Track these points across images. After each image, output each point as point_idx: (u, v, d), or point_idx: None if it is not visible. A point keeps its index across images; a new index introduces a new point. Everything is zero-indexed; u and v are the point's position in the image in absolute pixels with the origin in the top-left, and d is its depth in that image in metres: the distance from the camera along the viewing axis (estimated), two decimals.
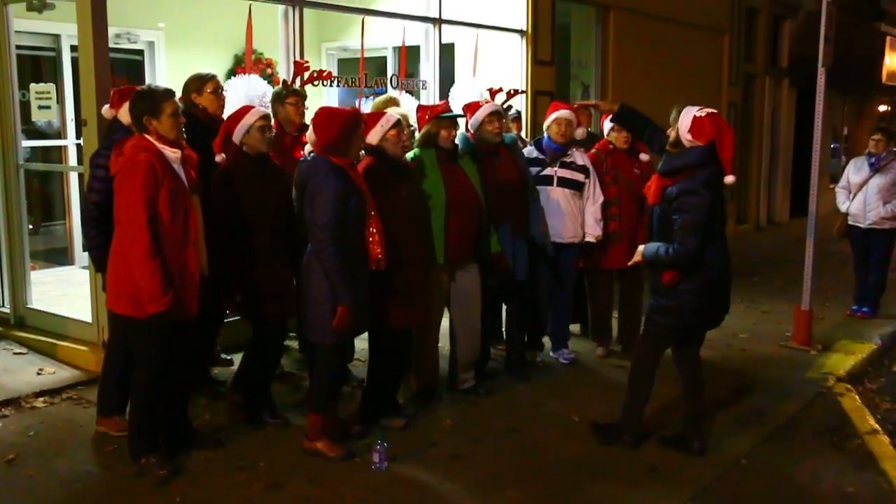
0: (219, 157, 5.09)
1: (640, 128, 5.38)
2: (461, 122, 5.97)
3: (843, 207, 8.72)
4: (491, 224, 5.83)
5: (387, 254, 4.87)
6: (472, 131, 6.06)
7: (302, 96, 5.96)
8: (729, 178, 4.79)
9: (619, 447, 5.08)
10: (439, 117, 5.58)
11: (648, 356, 5.10)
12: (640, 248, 5.00)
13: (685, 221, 4.70)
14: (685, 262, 4.76)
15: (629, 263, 5.29)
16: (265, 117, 5.09)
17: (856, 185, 8.58)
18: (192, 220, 4.52)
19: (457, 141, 5.91)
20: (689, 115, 4.77)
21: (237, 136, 5.01)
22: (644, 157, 6.59)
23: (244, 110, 5.08)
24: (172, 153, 4.47)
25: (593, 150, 6.87)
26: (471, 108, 6.14)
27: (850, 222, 8.67)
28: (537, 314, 6.79)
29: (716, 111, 4.87)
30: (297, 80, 6.31)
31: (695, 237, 4.68)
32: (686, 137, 4.75)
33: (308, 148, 5.24)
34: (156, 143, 4.42)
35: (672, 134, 4.86)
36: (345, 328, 4.70)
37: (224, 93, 5.75)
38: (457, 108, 6.29)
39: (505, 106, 6.50)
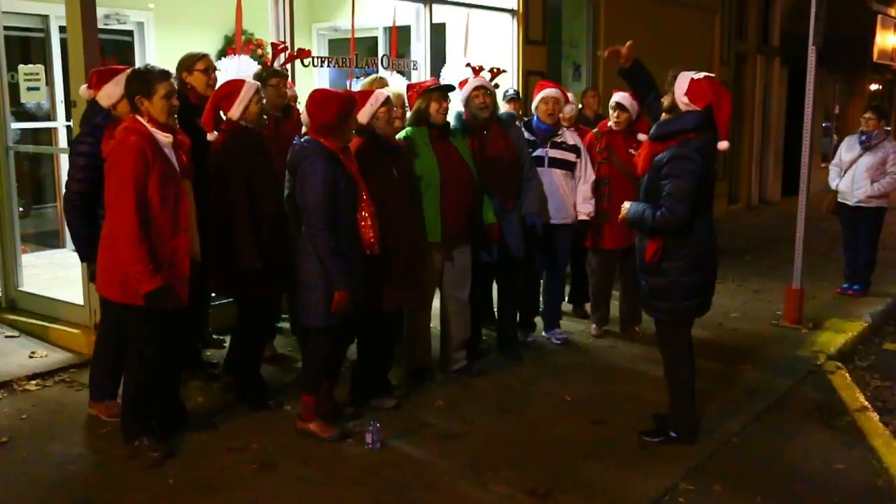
0: (211, 136, 5.07)
1: (646, 87, 5.10)
2: (454, 98, 5.95)
3: (833, 185, 8.75)
4: (485, 199, 5.84)
5: (380, 238, 4.87)
6: (464, 108, 6.05)
7: (283, 76, 5.94)
8: (723, 144, 4.66)
9: (672, 444, 4.88)
10: (428, 90, 5.57)
11: (674, 347, 4.91)
12: (626, 204, 4.85)
13: (677, 187, 4.55)
14: (671, 230, 4.61)
15: (619, 218, 5.08)
16: (259, 90, 5.09)
17: (846, 163, 8.60)
18: (184, 205, 4.49)
19: (450, 118, 5.91)
20: (685, 78, 4.64)
21: (235, 113, 5.00)
22: (642, 137, 6.56)
23: (236, 85, 5.06)
24: (164, 137, 4.43)
25: (594, 130, 6.87)
26: (462, 84, 6.14)
27: (839, 200, 8.70)
28: (531, 294, 6.81)
29: (713, 75, 4.77)
30: (278, 60, 6.29)
31: (685, 205, 4.54)
32: (682, 101, 4.62)
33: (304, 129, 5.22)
34: (147, 125, 4.39)
35: (667, 100, 4.73)
36: (342, 313, 4.71)
37: (216, 73, 5.72)
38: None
39: (494, 84, 6.49)
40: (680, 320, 4.87)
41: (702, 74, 4.69)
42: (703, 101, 4.59)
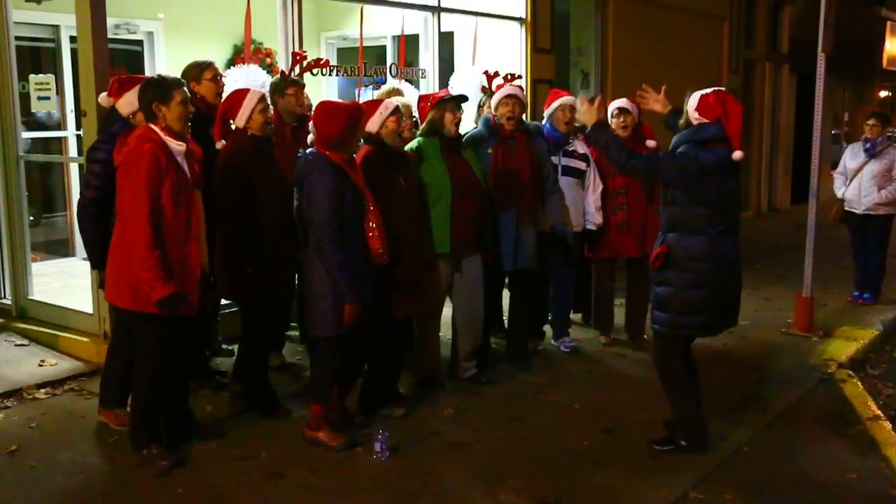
0: (219, 144, 5.09)
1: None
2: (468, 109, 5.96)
3: (839, 193, 8.71)
4: (493, 214, 5.83)
5: (387, 247, 4.86)
6: (493, 114, 6.07)
7: (300, 86, 5.95)
8: (736, 154, 4.64)
9: (682, 453, 4.85)
10: (442, 100, 5.57)
11: (665, 360, 4.89)
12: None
13: (665, 157, 4.70)
14: (618, 163, 4.79)
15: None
16: (263, 98, 5.10)
17: (852, 171, 8.56)
18: (195, 214, 4.50)
19: (478, 123, 5.91)
20: (696, 95, 4.73)
21: (240, 121, 5.02)
22: (650, 143, 6.51)
23: (241, 94, 5.07)
24: (177, 146, 4.45)
25: None
26: (497, 88, 6.16)
27: (846, 208, 8.66)
28: (540, 302, 6.79)
29: (723, 89, 4.81)
30: (296, 70, 6.30)
31: (654, 170, 4.73)
32: (694, 116, 4.70)
33: (311, 139, 5.23)
34: (161, 134, 4.40)
35: (682, 119, 4.79)
36: (353, 324, 4.71)
37: (223, 80, 5.73)
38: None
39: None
40: (677, 335, 4.83)
41: (711, 90, 4.74)
42: (712, 114, 4.64)
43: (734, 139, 4.64)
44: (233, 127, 5.15)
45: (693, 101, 4.72)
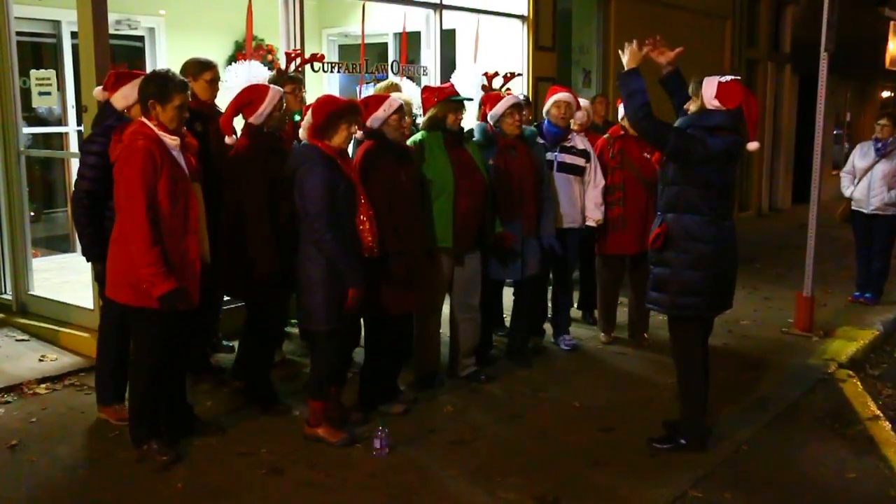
0: (229, 140, 5.07)
1: (684, 97, 4.92)
2: (470, 108, 5.92)
3: (846, 192, 8.69)
4: (494, 209, 5.83)
5: (379, 241, 4.85)
6: (490, 123, 6.03)
7: (298, 82, 5.95)
8: (753, 145, 4.64)
9: (681, 452, 4.85)
10: (447, 100, 5.56)
11: (686, 347, 4.88)
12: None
13: (678, 130, 4.62)
14: (633, 117, 4.70)
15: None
16: (282, 97, 5.14)
17: (861, 170, 8.55)
18: (193, 207, 4.49)
19: (474, 131, 5.91)
20: (712, 82, 4.63)
21: (259, 119, 5.03)
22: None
23: (260, 92, 5.07)
24: (171, 140, 4.44)
25: (605, 136, 6.85)
26: (491, 99, 6.12)
27: (853, 207, 8.64)
28: (540, 300, 6.78)
29: (739, 77, 4.74)
30: (292, 67, 6.31)
31: (665, 139, 4.60)
32: (713, 104, 4.61)
33: (301, 133, 5.22)
34: (155, 129, 4.40)
35: (693, 105, 4.72)
36: (356, 310, 4.71)
37: (221, 83, 5.71)
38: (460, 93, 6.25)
39: (506, 89, 6.44)
40: (679, 316, 4.84)
41: (728, 77, 4.68)
42: (734, 101, 4.59)
43: (752, 129, 4.64)
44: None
45: (710, 88, 4.62)
